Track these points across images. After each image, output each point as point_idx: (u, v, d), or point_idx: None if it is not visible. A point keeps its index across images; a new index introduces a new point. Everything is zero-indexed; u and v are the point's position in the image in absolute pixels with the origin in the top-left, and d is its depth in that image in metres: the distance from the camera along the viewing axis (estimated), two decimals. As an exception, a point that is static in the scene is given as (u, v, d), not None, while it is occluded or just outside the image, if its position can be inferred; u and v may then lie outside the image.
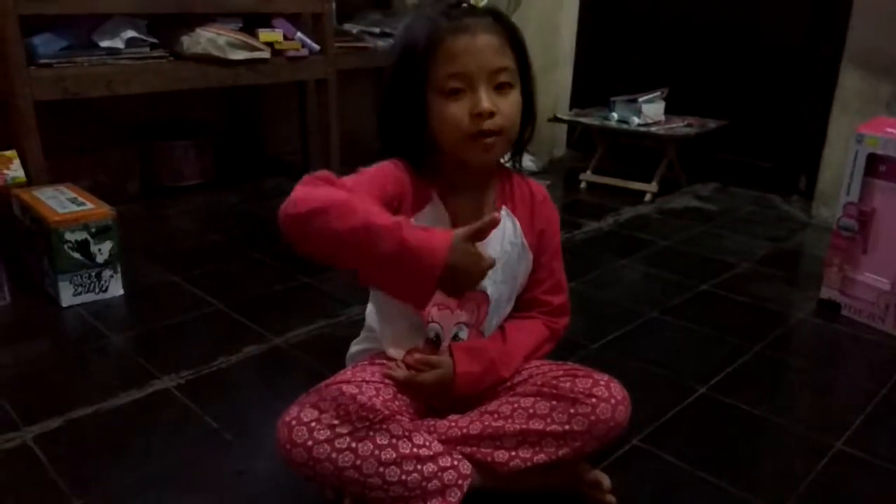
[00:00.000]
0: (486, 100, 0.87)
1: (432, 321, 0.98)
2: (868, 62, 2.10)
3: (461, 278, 0.77)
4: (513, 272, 1.01)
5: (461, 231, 0.78)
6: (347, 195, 0.79)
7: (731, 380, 1.33)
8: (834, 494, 1.04)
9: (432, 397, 0.98)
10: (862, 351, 1.49)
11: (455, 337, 0.99)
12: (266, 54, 2.19)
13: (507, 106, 0.90)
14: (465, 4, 0.91)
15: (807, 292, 1.71)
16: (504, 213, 0.99)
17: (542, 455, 0.93)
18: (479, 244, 0.82)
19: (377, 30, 2.69)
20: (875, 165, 1.53)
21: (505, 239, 0.98)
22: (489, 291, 0.98)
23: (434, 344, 0.99)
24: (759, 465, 1.10)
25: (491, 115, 0.88)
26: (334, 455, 0.85)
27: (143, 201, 2.33)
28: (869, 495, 1.05)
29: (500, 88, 0.89)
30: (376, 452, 0.86)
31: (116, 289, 1.62)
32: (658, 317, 1.58)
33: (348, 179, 0.86)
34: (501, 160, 1.00)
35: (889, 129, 1.52)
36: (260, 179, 2.59)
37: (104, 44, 1.96)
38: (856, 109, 2.11)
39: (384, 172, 0.92)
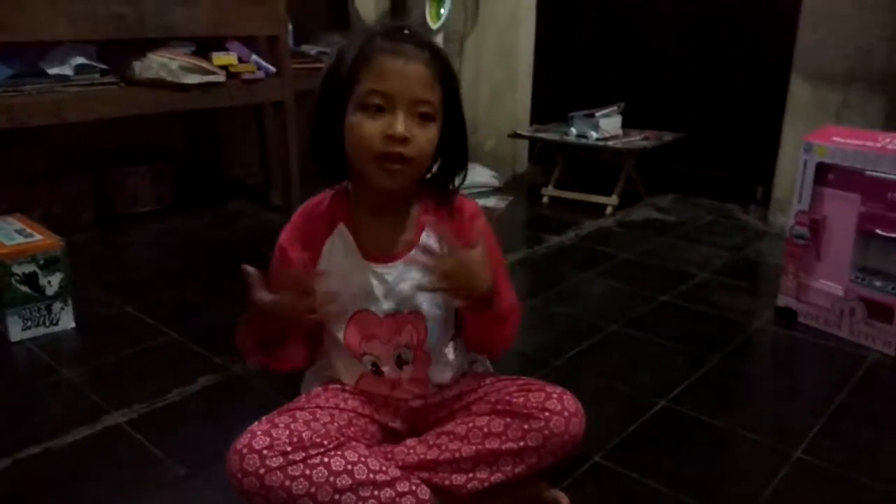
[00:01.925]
0: (401, 124, 0.86)
1: (364, 353, 0.97)
2: (816, 72, 2.15)
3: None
4: None
5: None
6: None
7: (690, 392, 1.33)
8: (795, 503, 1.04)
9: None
10: (819, 357, 1.51)
11: (399, 358, 0.97)
12: (221, 77, 2.17)
13: (423, 137, 0.88)
14: (407, 31, 0.91)
15: (765, 300, 1.73)
16: (427, 231, 0.96)
17: (499, 474, 0.92)
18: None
19: (335, 51, 2.68)
20: (824, 174, 1.56)
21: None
22: (423, 309, 0.96)
23: (375, 373, 0.98)
24: (719, 476, 1.10)
25: (404, 140, 0.86)
26: (288, 483, 0.83)
27: (98, 230, 2.28)
28: (829, 503, 1.05)
29: (421, 119, 0.88)
30: (331, 479, 0.84)
31: (68, 321, 1.58)
32: (619, 330, 1.59)
33: None
34: (432, 184, 0.97)
35: (836, 138, 1.55)
36: (221, 203, 2.56)
37: (52, 71, 1.92)
38: (806, 119, 2.16)
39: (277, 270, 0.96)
